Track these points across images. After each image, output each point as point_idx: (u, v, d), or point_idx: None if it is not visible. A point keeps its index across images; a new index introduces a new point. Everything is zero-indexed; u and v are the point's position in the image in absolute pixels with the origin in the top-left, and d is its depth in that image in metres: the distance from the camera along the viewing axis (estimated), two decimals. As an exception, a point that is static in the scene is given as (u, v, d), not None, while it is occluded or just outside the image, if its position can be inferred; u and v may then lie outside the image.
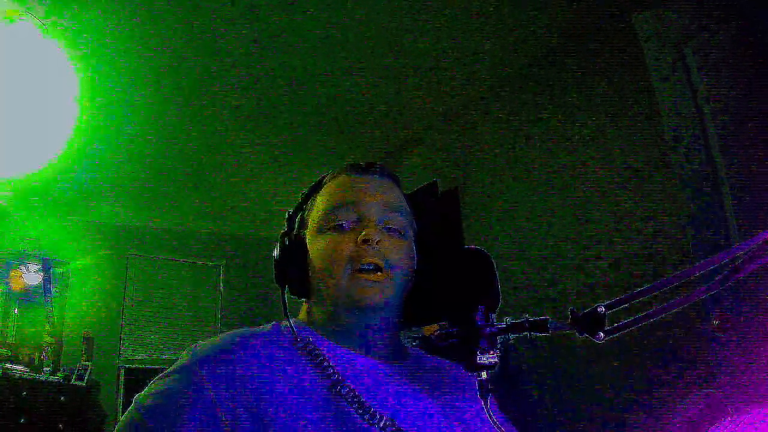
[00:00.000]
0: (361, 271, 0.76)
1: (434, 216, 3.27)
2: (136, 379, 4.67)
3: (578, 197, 2.65)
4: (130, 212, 5.00)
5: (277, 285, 0.82)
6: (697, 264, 0.59)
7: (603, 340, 0.61)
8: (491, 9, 2.62)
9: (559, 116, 2.82)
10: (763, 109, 1.74)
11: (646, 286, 0.61)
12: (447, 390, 0.82)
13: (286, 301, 0.81)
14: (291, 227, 0.85)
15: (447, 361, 0.89)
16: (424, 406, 0.77)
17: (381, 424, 0.70)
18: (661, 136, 2.21)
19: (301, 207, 0.87)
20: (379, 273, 0.76)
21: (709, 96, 1.84)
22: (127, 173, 4.17)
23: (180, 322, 5.19)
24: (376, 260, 0.76)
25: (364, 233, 0.77)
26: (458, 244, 3.13)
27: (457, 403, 0.80)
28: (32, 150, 3.49)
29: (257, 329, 0.81)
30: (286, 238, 0.83)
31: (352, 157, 3.78)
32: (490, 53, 2.95)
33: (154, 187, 4.46)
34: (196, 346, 0.75)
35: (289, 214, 0.87)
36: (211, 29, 2.71)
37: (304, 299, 0.85)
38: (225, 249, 5.51)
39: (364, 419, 0.70)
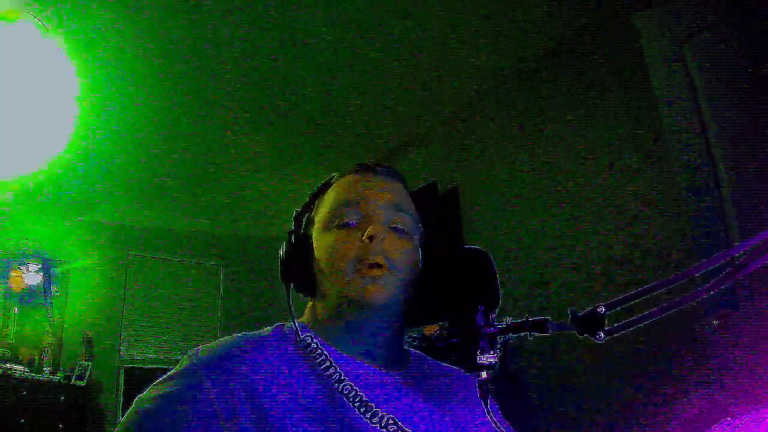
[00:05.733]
0: (365, 268, 0.76)
1: (434, 216, 3.27)
2: (136, 379, 4.67)
3: (578, 197, 2.65)
4: (130, 212, 5.00)
5: (281, 283, 0.82)
6: (697, 264, 0.59)
7: (603, 340, 0.61)
8: (490, 9, 2.62)
9: (559, 116, 2.82)
10: (763, 109, 1.74)
11: (646, 286, 0.61)
12: (448, 396, 0.82)
13: (291, 299, 0.81)
14: (298, 226, 0.85)
15: (449, 366, 0.89)
16: (426, 411, 0.77)
17: (383, 423, 0.69)
18: (661, 136, 2.21)
19: (309, 206, 0.87)
20: (383, 270, 0.76)
21: (709, 95, 1.84)
22: (127, 173, 4.17)
23: (180, 322, 5.18)
24: (381, 258, 0.76)
25: (369, 230, 0.76)
26: (458, 244, 3.13)
27: (458, 409, 0.80)
28: (32, 150, 3.49)
29: (258, 333, 0.80)
30: (292, 236, 0.83)
31: (352, 157, 3.79)
32: (489, 53, 2.95)
33: (154, 187, 4.45)
34: (197, 350, 0.75)
35: (296, 213, 0.87)
36: (210, 29, 2.71)
37: (309, 297, 0.85)
38: (225, 249, 5.51)
39: (365, 418, 0.69)
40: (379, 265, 0.76)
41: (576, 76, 2.75)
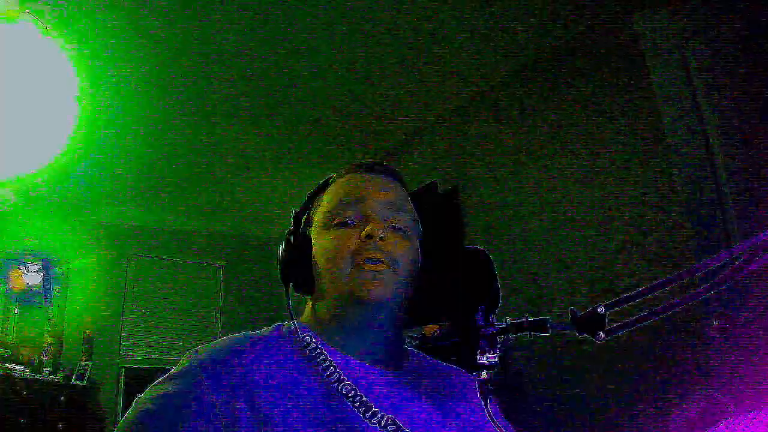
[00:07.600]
0: (363, 263, 0.76)
1: (434, 216, 3.27)
2: (136, 379, 4.66)
3: (577, 197, 2.65)
4: (130, 212, 5.00)
5: (281, 283, 0.82)
6: (697, 264, 0.59)
7: (603, 340, 0.61)
8: (489, 8, 2.62)
9: (558, 117, 2.82)
10: (763, 109, 1.74)
11: (646, 286, 0.60)
12: (448, 395, 0.82)
13: (291, 299, 0.81)
14: (297, 225, 0.86)
15: (449, 365, 0.89)
16: (425, 411, 0.76)
17: (382, 423, 0.69)
18: (661, 136, 2.21)
19: (308, 206, 0.87)
20: (382, 265, 0.76)
21: (709, 96, 1.84)
22: (127, 173, 4.17)
23: (180, 322, 5.18)
24: (380, 256, 0.76)
25: (368, 228, 0.76)
26: (458, 244, 3.13)
27: (457, 409, 0.80)
28: (32, 150, 3.49)
29: (258, 333, 0.80)
30: (291, 236, 0.83)
31: (351, 157, 3.79)
32: (489, 52, 2.96)
33: (154, 187, 4.46)
34: (196, 350, 0.75)
35: (295, 213, 0.87)
36: (210, 29, 2.72)
37: (308, 297, 0.85)
38: (225, 249, 5.51)
39: (365, 418, 0.69)
40: (377, 260, 0.76)
41: (576, 77, 2.75)
